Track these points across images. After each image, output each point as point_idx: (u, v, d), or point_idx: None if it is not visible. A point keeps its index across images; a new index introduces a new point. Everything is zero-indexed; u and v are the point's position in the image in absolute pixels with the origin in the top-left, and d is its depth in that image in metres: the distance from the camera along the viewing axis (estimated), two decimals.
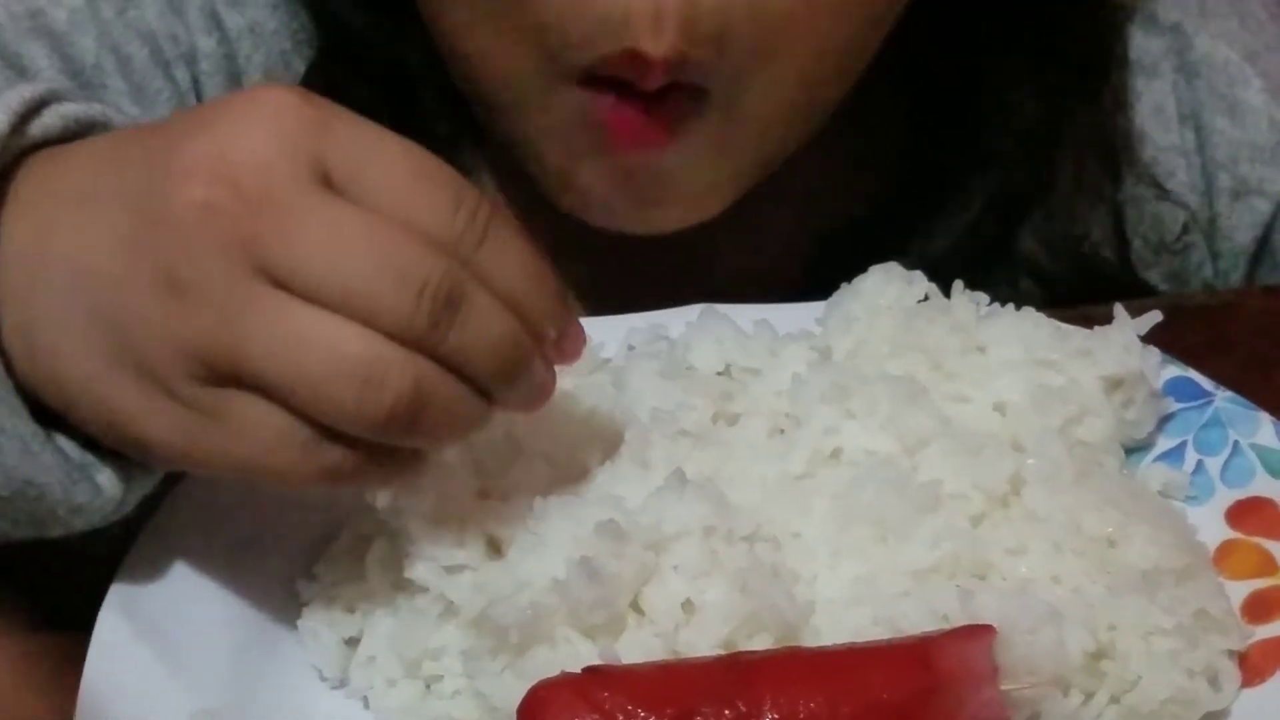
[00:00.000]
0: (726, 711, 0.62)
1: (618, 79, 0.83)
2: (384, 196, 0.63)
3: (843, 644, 0.65)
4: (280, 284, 0.61)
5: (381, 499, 0.69)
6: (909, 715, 0.62)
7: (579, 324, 0.68)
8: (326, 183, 0.62)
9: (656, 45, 0.81)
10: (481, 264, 0.64)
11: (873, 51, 0.88)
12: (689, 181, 0.88)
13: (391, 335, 0.61)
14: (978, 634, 0.64)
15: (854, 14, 0.85)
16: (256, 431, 0.63)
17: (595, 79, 0.83)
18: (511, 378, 0.65)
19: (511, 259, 0.65)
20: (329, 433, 0.62)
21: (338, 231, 0.61)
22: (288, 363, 0.61)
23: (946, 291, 0.80)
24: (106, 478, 0.67)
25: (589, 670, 0.63)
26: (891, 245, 0.93)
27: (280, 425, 0.62)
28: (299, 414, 0.62)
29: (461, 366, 0.63)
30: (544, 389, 0.67)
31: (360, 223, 0.62)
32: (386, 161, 0.64)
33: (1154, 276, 1.02)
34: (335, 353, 0.61)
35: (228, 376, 0.62)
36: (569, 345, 0.67)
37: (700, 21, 0.80)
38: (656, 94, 0.83)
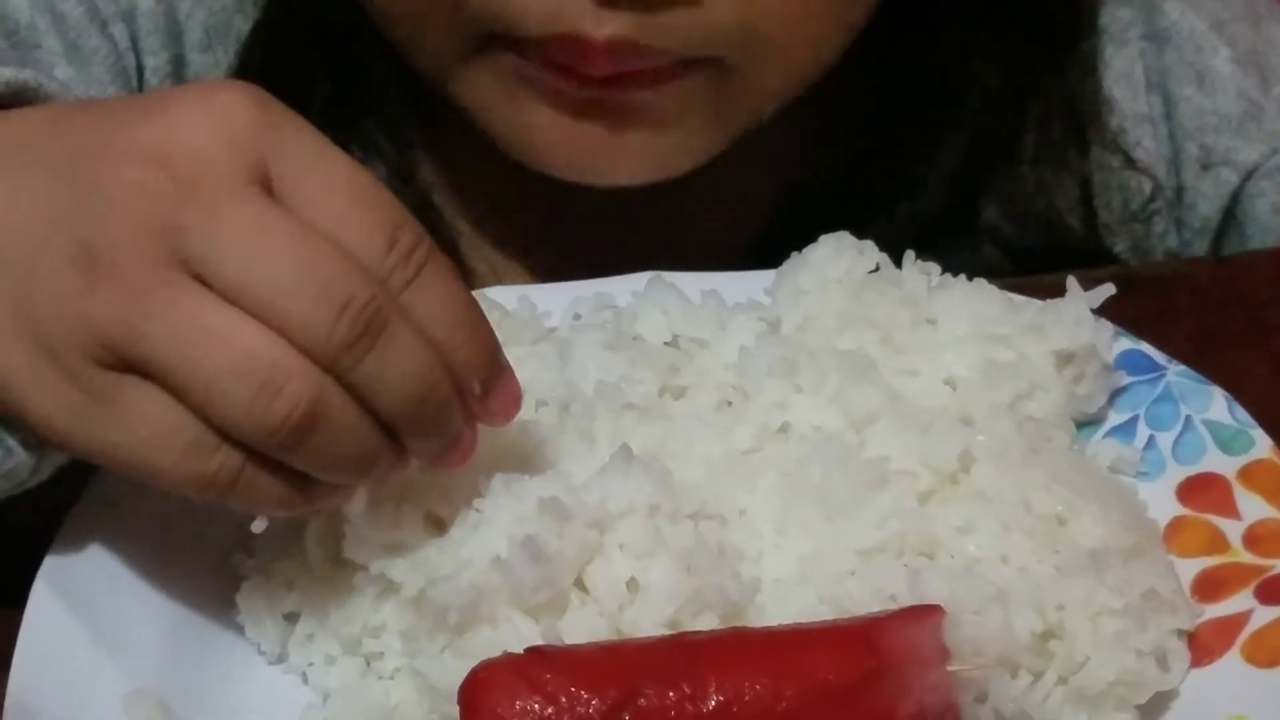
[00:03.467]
0: (670, 693, 0.61)
1: (557, 62, 0.81)
2: (321, 212, 0.61)
3: (788, 625, 0.64)
4: (198, 277, 0.60)
5: (256, 525, 0.66)
6: (854, 697, 0.61)
7: (512, 381, 0.65)
8: (266, 187, 0.61)
9: (599, 26, 0.79)
10: (409, 302, 0.61)
11: (865, 16, 0.87)
12: (655, 136, 0.86)
13: (302, 348, 0.60)
14: (925, 615, 0.63)
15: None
16: (143, 423, 0.61)
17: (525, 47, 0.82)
18: (424, 423, 0.63)
19: (442, 303, 0.62)
20: (218, 438, 0.61)
21: (266, 234, 0.60)
22: (187, 353, 0.59)
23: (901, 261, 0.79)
24: (17, 441, 0.65)
25: (531, 651, 0.62)
26: (857, 211, 0.92)
27: (169, 420, 0.60)
28: (192, 411, 0.60)
29: (371, 399, 0.61)
30: (461, 444, 0.64)
31: (291, 230, 0.60)
32: (330, 179, 0.62)
33: (1119, 245, 1.01)
34: (237, 350, 0.59)
35: (125, 361, 0.60)
36: (496, 403, 0.65)
37: (656, 7, 0.78)
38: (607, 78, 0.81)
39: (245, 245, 0.59)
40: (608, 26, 0.79)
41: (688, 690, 0.61)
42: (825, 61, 0.88)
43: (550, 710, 0.60)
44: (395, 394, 0.61)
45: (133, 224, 0.60)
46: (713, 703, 0.61)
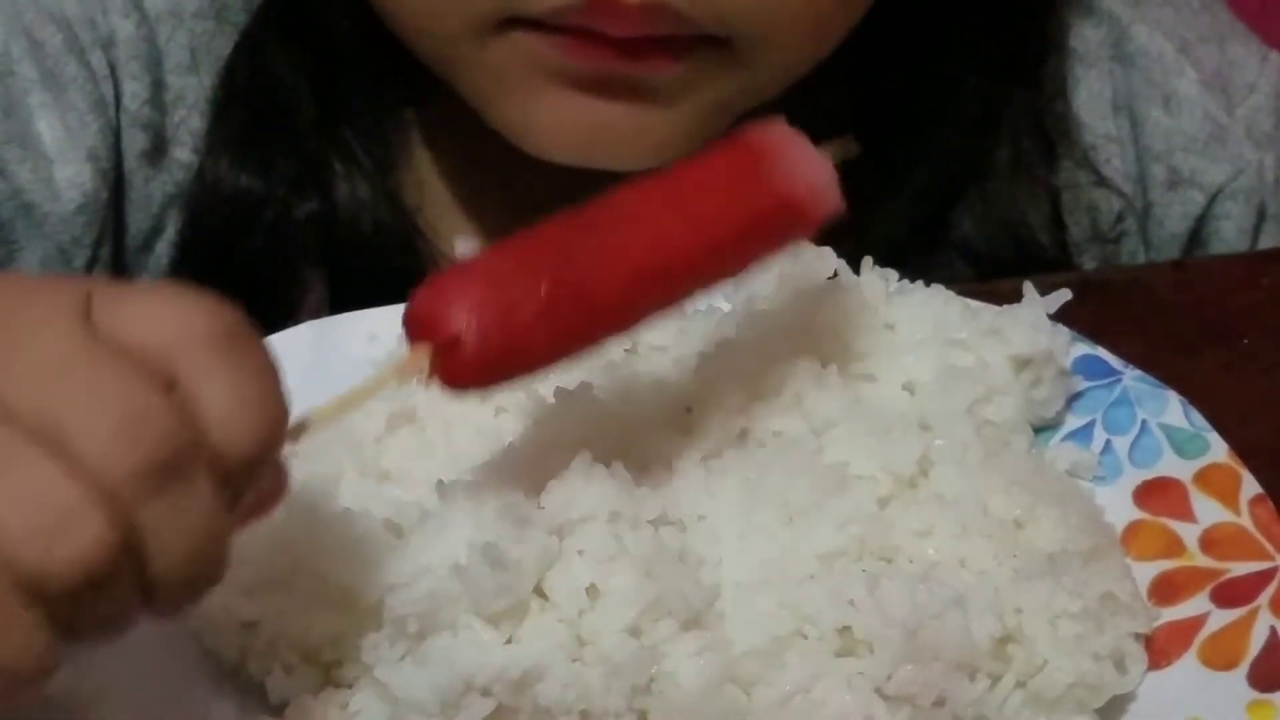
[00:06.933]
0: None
1: (580, 28, 0.81)
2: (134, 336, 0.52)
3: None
4: None
5: None
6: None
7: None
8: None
9: None
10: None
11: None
12: (663, 117, 0.86)
13: (96, 482, 0.50)
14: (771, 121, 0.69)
15: None
16: None
17: (544, 25, 0.82)
18: (193, 594, 0.54)
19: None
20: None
21: (70, 360, 0.51)
22: None
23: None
24: None
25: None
26: (828, 227, 0.93)
27: None
28: None
29: (149, 551, 0.51)
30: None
31: (104, 359, 0.51)
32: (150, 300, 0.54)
33: (1088, 263, 1.02)
34: (28, 501, 0.49)
35: None
36: None
37: None
38: (628, 42, 0.81)
39: (44, 370, 0.51)
40: None
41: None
42: (828, 43, 0.88)
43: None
44: (178, 555, 0.52)
45: None
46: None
